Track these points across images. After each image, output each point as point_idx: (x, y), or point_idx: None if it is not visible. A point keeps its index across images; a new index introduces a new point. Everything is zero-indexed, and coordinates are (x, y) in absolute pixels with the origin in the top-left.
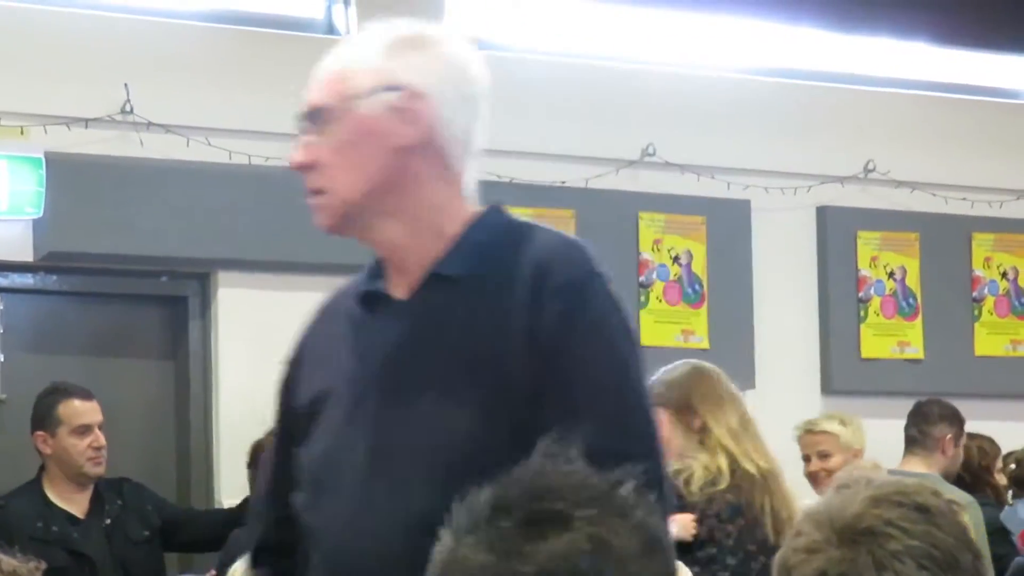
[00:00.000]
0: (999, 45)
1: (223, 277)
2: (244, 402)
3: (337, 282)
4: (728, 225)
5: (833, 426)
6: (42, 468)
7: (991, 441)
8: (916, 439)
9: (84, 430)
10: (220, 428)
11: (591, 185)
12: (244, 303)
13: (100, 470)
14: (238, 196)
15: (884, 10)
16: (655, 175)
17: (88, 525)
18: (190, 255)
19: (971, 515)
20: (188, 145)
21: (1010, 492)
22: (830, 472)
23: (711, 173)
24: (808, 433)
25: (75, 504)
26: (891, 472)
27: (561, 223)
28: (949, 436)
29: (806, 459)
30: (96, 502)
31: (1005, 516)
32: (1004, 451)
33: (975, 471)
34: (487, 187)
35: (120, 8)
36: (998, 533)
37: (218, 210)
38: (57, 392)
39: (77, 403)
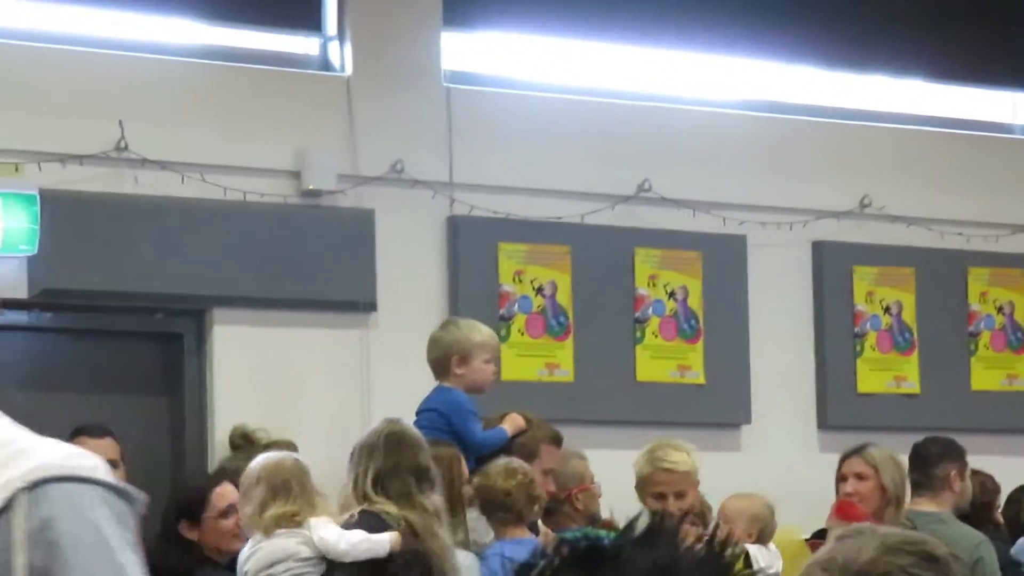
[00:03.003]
0: (992, 80)
1: (218, 314)
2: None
3: (329, 319)
4: (724, 260)
5: (688, 462)
6: None
7: (991, 478)
8: (921, 483)
9: None
10: (216, 465)
11: (587, 221)
12: (239, 340)
13: None
14: (233, 233)
15: (879, 47)
16: (651, 211)
17: None
18: (185, 292)
19: (984, 552)
20: (183, 182)
21: None
22: (685, 512)
23: (707, 209)
24: (665, 471)
25: None
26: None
27: (557, 258)
28: (954, 472)
29: (659, 497)
30: None
31: (1018, 549)
32: (1002, 485)
33: (977, 507)
34: (484, 222)
35: (115, 45)
36: (1008, 568)
37: (213, 247)
38: (75, 431)
39: (85, 440)
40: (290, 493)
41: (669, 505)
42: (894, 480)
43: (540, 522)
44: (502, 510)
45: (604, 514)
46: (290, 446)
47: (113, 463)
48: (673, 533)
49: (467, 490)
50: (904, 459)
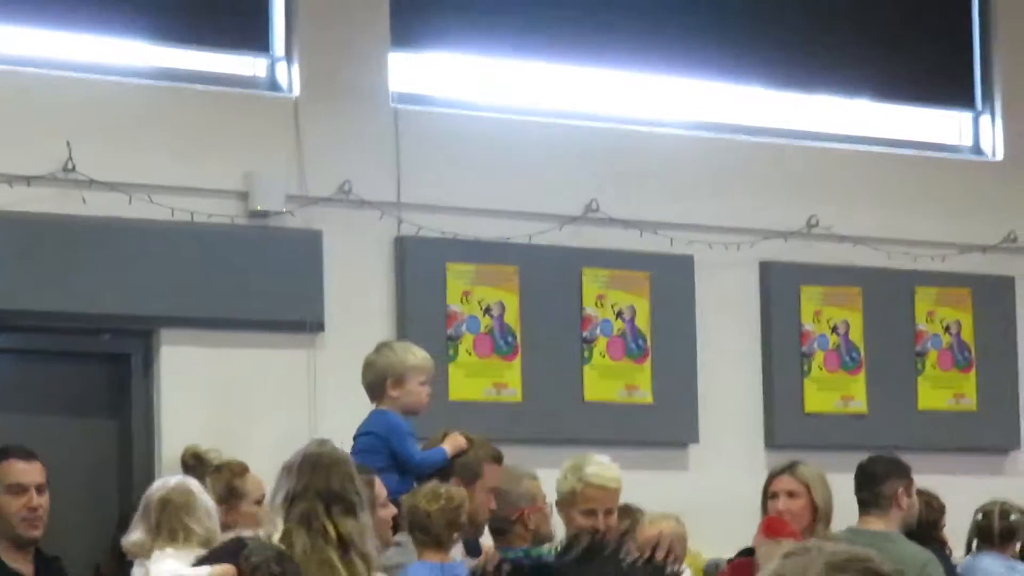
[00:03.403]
0: (938, 100)
1: (166, 335)
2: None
3: (277, 339)
4: (671, 280)
5: (619, 479)
6: None
7: (936, 498)
8: (868, 501)
9: (18, 490)
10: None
11: (535, 241)
12: (187, 360)
13: (36, 533)
14: (181, 254)
15: (825, 67)
16: (598, 231)
17: None
18: (133, 313)
19: (932, 571)
20: (131, 202)
21: (973, 543)
22: (625, 531)
23: (654, 229)
24: (598, 488)
25: (21, 565)
26: (850, 530)
27: (505, 279)
28: (901, 489)
29: (589, 514)
30: (41, 571)
31: (966, 567)
32: (948, 504)
33: (923, 526)
34: (431, 243)
35: (62, 66)
36: None
37: (161, 268)
38: (1, 452)
39: (14, 462)
40: (148, 521)
41: (598, 522)
42: (824, 498)
43: (490, 542)
44: (421, 532)
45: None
46: (241, 467)
47: (42, 487)
48: (615, 551)
49: (385, 513)
50: (850, 479)
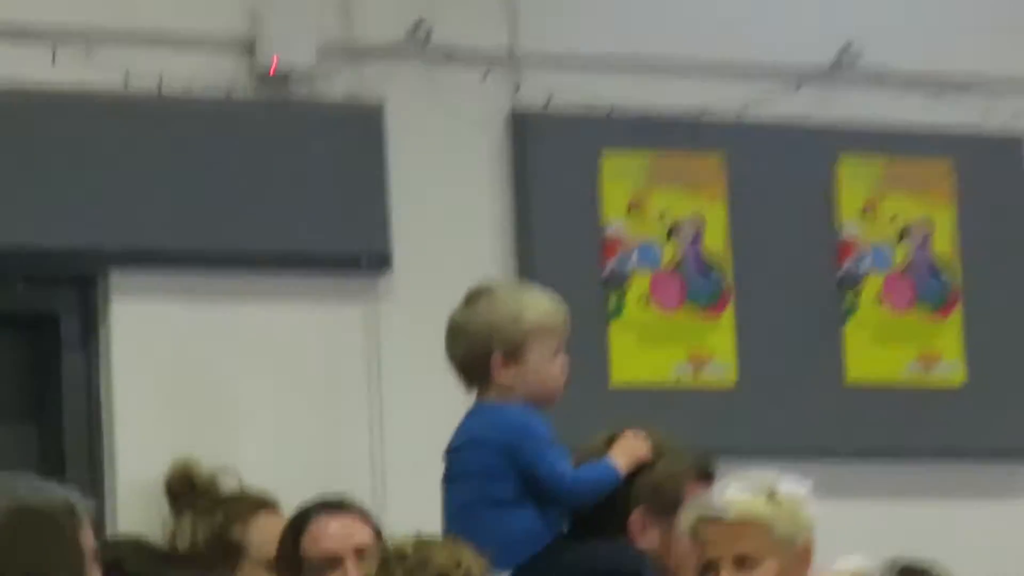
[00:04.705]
0: None
1: (118, 281)
2: (147, 483)
3: (313, 285)
4: (990, 173)
5: (759, 508)
6: None
7: None
8: None
9: None
10: (119, 519)
11: (751, 113)
12: (154, 323)
13: None
14: (143, 146)
15: None
16: (860, 94)
17: None
18: (63, 246)
19: None
20: (54, 62)
21: None
22: None
23: (957, 87)
24: (713, 523)
25: None
26: None
27: (702, 177)
28: None
29: (708, 568)
30: None
31: None
32: None
33: None
34: (573, 122)
35: None
36: None
37: (109, 172)
38: None
39: None
40: None
41: None
42: None
43: None
44: None
45: None
46: (270, 505)
47: None
48: None
49: None
50: None
